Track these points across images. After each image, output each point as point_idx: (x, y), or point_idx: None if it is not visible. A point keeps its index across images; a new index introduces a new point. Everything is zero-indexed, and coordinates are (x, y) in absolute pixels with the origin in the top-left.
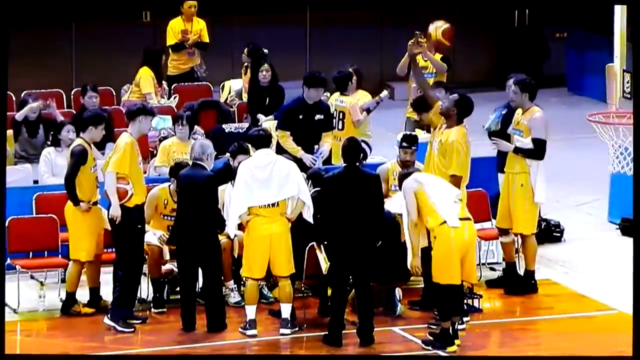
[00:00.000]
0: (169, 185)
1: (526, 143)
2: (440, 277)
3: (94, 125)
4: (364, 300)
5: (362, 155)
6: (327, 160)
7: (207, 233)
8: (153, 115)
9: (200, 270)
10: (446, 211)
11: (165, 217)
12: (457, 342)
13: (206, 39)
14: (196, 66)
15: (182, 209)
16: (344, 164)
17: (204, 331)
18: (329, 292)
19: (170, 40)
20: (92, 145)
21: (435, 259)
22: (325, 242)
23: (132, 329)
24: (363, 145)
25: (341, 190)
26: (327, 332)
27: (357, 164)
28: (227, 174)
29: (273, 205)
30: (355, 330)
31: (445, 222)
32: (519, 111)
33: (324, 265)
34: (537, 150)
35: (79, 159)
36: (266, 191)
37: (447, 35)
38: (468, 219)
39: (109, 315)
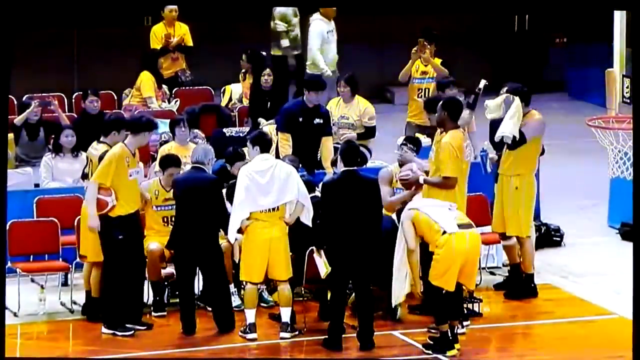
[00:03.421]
0: (159, 177)
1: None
2: (434, 278)
3: (117, 130)
4: (364, 305)
5: (360, 159)
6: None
7: (208, 236)
8: (157, 128)
9: (201, 274)
10: (443, 219)
11: (159, 208)
12: (457, 346)
13: (190, 43)
14: (180, 71)
15: (182, 212)
16: (343, 169)
17: (204, 335)
18: (329, 296)
19: (154, 45)
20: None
21: (435, 261)
22: (325, 247)
23: (132, 332)
24: (363, 149)
25: (340, 195)
26: (327, 336)
27: (356, 168)
28: (223, 177)
29: (273, 209)
30: (355, 335)
31: (445, 231)
32: None
33: (324, 270)
34: (515, 142)
35: None
36: (267, 196)
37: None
38: (470, 225)
39: (105, 325)
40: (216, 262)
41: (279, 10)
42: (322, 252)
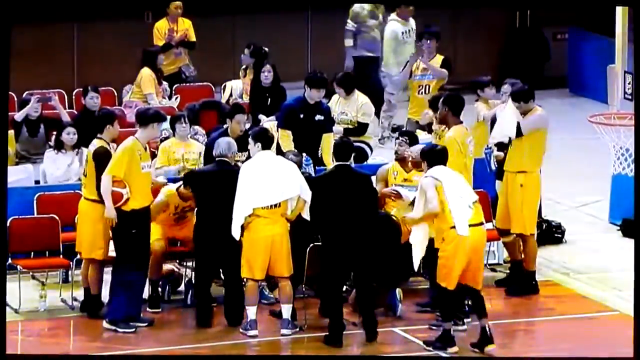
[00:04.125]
0: (177, 188)
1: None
2: (442, 279)
3: (110, 124)
4: (365, 297)
5: (354, 154)
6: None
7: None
8: (165, 120)
9: (220, 267)
10: (458, 216)
11: (175, 215)
12: (491, 346)
13: (193, 39)
14: (184, 66)
15: (206, 205)
16: (336, 163)
17: (205, 331)
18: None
19: (157, 41)
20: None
21: (441, 258)
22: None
23: (133, 329)
24: (364, 146)
25: (332, 190)
26: (327, 333)
27: (349, 163)
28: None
29: (275, 206)
30: (355, 331)
31: (454, 227)
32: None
33: None
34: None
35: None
36: (269, 192)
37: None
38: (480, 223)
39: (106, 320)
40: (235, 256)
41: (352, 8)
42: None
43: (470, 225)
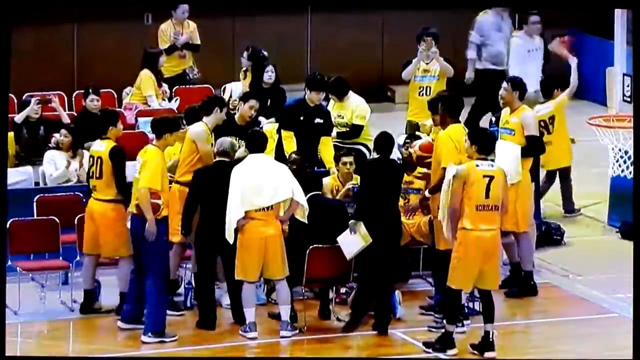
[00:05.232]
0: None
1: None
2: (453, 281)
3: (113, 124)
4: (384, 289)
5: (353, 157)
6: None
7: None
8: (178, 129)
9: (223, 267)
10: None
11: None
12: (493, 354)
13: (197, 41)
14: (188, 68)
15: (209, 205)
16: (377, 155)
17: (205, 333)
18: (330, 295)
19: (162, 43)
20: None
21: (452, 260)
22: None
23: (175, 336)
24: (364, 149)
25: (376, 174)
26: (348, 321)
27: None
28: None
29: (268, 208)
30: (355, 333)
31: (467, 228)
32: (506, 110)
33: (359, 245)
34: (533, 147)
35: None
36: (261, 195)
37: (425, 148)
38: (494, 228)
39: (149, 334)
40: (234, 254)
41: (476, 19)
42: (361, 224)
43: (483, 230)
